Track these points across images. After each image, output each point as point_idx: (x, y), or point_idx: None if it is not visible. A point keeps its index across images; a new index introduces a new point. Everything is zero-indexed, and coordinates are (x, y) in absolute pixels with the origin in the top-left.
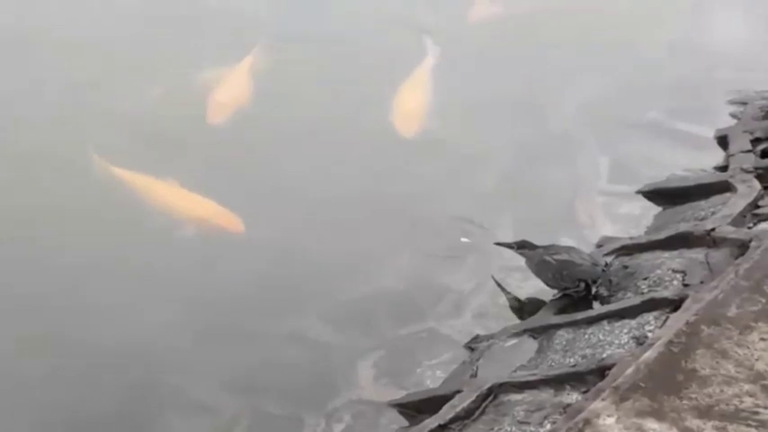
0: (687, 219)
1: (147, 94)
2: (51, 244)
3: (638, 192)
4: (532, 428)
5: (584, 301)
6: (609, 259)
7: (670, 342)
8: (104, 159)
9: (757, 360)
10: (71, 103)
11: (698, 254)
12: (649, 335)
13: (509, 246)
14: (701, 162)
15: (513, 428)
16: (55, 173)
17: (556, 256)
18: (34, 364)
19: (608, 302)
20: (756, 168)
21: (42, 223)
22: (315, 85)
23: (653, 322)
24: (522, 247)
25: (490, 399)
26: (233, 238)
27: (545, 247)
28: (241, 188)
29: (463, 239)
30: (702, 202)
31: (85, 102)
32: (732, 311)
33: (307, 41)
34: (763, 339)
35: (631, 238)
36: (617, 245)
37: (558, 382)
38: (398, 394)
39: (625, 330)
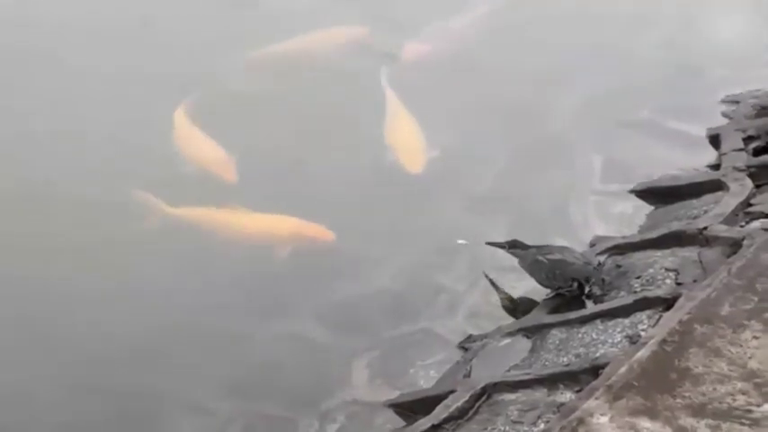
0: (680, 217)
1: None
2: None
3: (631, 191)
4: (526, 428)
5: (577, 300)
6: (602, 258)
7: (663, 341)
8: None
9: (750, 358)
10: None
11: (691, 252)
12: (642, 334)
13: (500, 245)
14: (694, 161)
15: (507, 428)
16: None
17: (549, 256)
18: (29, 368)
19: (601, 301)
20: (749, 167)
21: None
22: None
23: (646, 321)
24: (513, 246)
25: (484, 398)
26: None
27: (538, 247)
28: (240, 186)
29: (460, 241)
30: (695, 201)
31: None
32: (725, 310)
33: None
34: (755, 338)
35: (624, 238)
36: (610, 244)
37: (552, 381)
38: (392, 394)
39: (618, 329)
